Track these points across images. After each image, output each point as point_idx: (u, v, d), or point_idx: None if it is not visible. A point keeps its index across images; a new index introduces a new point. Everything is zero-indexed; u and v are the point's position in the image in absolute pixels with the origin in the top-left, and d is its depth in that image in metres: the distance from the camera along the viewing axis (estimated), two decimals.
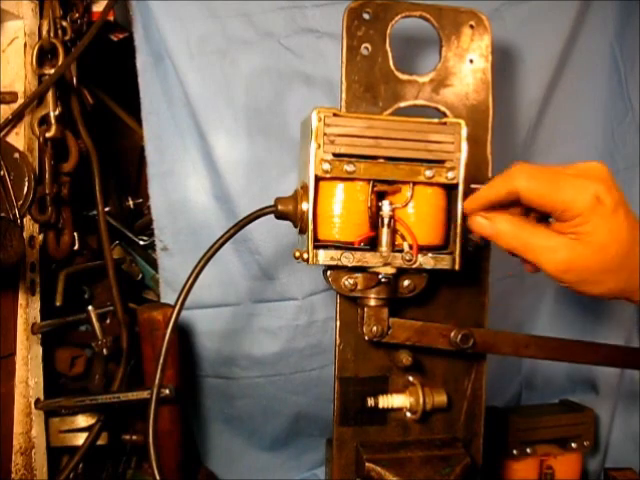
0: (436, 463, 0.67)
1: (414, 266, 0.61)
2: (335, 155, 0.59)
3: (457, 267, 0.62)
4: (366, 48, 0.70)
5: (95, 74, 0.95)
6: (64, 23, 0.84)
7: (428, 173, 0.61)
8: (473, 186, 0.64)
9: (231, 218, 0.89)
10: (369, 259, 0.61)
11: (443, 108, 0.72)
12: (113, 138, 1.05)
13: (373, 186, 0.61)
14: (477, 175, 0.69)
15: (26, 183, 0.78)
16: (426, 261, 0.61)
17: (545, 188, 0.52)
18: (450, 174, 0.61)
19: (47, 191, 0.81)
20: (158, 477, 0.60)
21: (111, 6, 0.86)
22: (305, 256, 0.60)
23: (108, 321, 0.92)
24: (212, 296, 0.93)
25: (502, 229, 0.55)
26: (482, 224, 0.56)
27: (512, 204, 0.56)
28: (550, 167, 0.54)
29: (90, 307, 0.86)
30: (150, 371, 0.84)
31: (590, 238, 0.51)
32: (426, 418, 0.71)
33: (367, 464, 0.66)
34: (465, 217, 0.61)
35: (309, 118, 0.60)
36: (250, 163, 0.90)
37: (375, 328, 0.64)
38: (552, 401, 1.07)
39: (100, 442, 0.85)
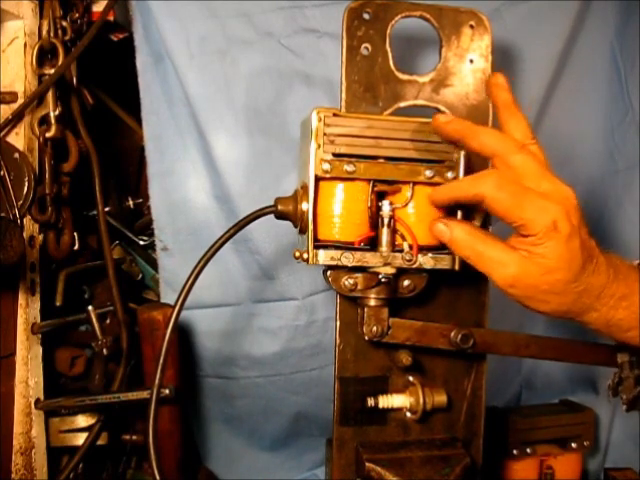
0: (436, 463, 0.67)
1: (414, 266, 0.61)
2: (335, 155, 0.59)
3: (457, 267, 0.62)
4: (366, 48, 0.70)
5: (95, 74, 0.95)
6: (64, 23, 0.84)
7: (428, 173, 0.61)
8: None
9: (231, 218, 0.89)
10: (369, 259, 0.61)
11: (443, 108, 0.72)
12: (113, 138, 1.05)
13: (373, 186, 0.61)
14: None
15: (26, 183, 0.78)
16: (426, 261, 0.61)
17: (509, 201, 0.53)
18: (450, 174, 0.61)
19: (47, 191, 0.81)
20: (158, 477, 0.60)
21: (111, 6, 0.86)
22: (305, 256, 0.60)
23: (108, 321, 0.92)
24: (212, 296, 0.93)
25: (458, 237, 0.56)
26: (440, 230, 0.57)
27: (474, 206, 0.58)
28: (518, 181, 0.54)
29: (90, 307, 0.86)
30: (150, 371, 0.84)
31: (540, 260, 0.53)
32: (426, 418, 0.71)
33: (367, 464, 0.66)
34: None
35: (309, 118, 0.60)
36: (250, 163, 0.90)
37: (375, 328, 0.64)
38: (552, 401, 1.07)
39: (100, 442, 0.85)
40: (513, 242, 0.55)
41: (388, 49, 0.70)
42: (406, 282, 0.64)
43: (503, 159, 0.55)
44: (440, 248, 0.63)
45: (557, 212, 0.52)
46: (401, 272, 0.63)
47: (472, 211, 0.63)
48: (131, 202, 1.09)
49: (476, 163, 0.62)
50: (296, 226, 0.63)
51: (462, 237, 0.56)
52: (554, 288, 0.54)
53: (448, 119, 0.59)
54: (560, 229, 0.52)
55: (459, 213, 0.61)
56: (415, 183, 0.61)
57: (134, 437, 0.92)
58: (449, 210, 0.62)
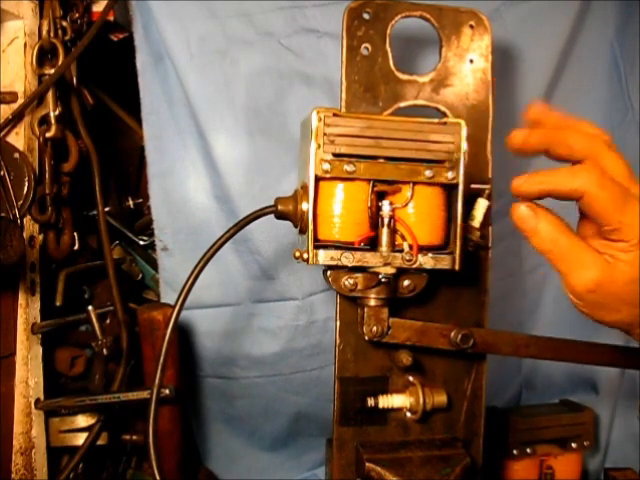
0: (436, 463, 0.67)
1: (414, 266, 0.61)
2: (335, 155, 0.59)
3: (457, 267, 0.62)
4: (366, 48, 0.70)
5: (95, 74, 0.95)
6: (64, 23, 0.84)
7: (428, 173, 0.61)
8: (473, 186, 0.64)
9: (231, 218, 0.89)
10: (369, 259, 0.61)
11: (443, 108, 0.72)
12: (113, 138, 1.05)
13: (373, 186, 0.61)
14: (477, 175, 0.70)
15: (26, 183, 0.78)
16: (426, 261, 0.61)
17: (610, 203, 0.49)
18: (450, 174, 0.61)
19: (47, 191, 0.81)
20: (158, 477, 0.60)
21: (111, 6, 0.86)
22: (305, 256, 0.60)
23: (108, 321, 0.92)
24: (212, 296, 0.93)
25: (543, 228, 0.52)
26: (525, 215, 0.52)
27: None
28: (619, 182, 0.51)
29: (90, 307, 0.86)
30: (150, 371, 0.84)
31: (626, 268, 0.50)
32: (426, 418, 0.71)
33: (367, 464, 0.66)
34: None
35: (309, 118, 0.60)
36: (250, 163, 0.90)
37: (375, 328, 0.64)
38: (552, 401, 1.07)
39: (100, 442, 0.85)
40: (597, 245, 0.52)
41: (388, 49, 0.70)
42: (406, 282, 0.64)
43: (596, 159, 0.52)
44: (440, 248, 0.63)
45: None
46: (401, 272, 0.63)
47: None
48: (131, 202, 1.09)
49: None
50: (296, 226, 0.63)
51: (547, 229, 0.52)
52: (631, 298, 0.51)
53: (525, 133, 0.54)
54: None
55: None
56: (415, 183, 0.61)
57: (134, 437, 0.92)
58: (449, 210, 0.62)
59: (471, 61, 0.73)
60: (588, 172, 0.51)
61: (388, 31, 0.70)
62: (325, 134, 0.59)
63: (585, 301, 0.52)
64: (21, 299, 0.79)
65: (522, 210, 0.53)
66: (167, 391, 0.76)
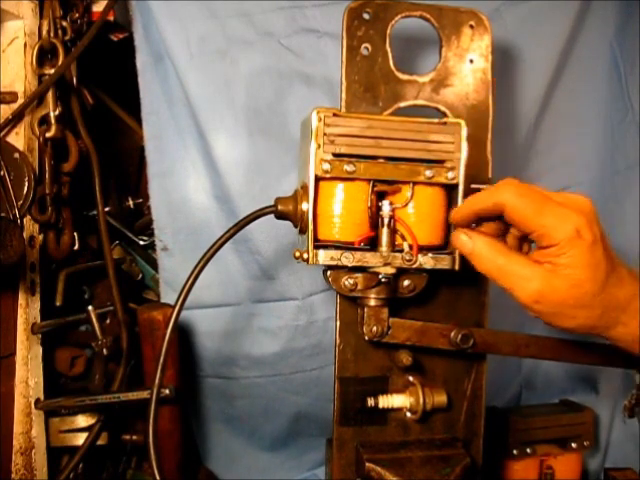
0: (436, 463, 0.67)
1: (414, 266, 0.61)
2: (335, 155, 0.59)
3: (457, 267, 0.62)
4: (366, 48, 0.70)
5: (95, 74, 0.95)
6: (64, 23, 0.84)
7: (428, 173, 0.61)
8: (473, 186, 0.64)
9: (231, 218, 0.89)
10: (369, 259, 0.61)
11: (443, 108, 0.72)
12: (113, 138, 1.05)
13: (373, 186, 0.61)
14: (477, 175, 0.70)
15: (26, 183, 0.78)
16: (426, 261, 0.61)
17: (529, 209, 0.51)
18: (450, 174, 0.61)
19: (47, 191, 0.81)
20: (158, 477, 0.60)
21: (111, 6, 0.86)
22: (305, 256, 0.60)
23: (108, 321, 0.92)
24: (212, 296, 0.93)
25: (479, 250, 0.54)
26: (462, 241, 0.55)
27: (494, 218, 0.56)
28: (539, 189, 0.53)
29: (90, 307, 0.86)
30: (150, 371, 0.84)
31: (566, 271, 0.51)
32: (426, 418, 0.71)
33: (367, 464, 0.66)
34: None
35: (309, 118, 0.60)
36: (250, 163, 0.90)
37: (375, 328, 0.64)
38: (552, 401, 1.07)
39: (100, 442, 0.85)
40: (535, 256, 0.53)
41: (388, 49, 0.70)
42: (406, 282, 0.64)
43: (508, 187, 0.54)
44: (440, 248, 0.63)
45: (579, 220, 0.51)
46: (401, 272, 0.63)
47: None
48: (131, 202, 1.09)
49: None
50: (296, 226, 0.63)
51: (484, 250, 0.54)
52: (581, 301, 0.51)
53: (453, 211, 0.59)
54: (583, 236, 0.50)
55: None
56: (415, 183, 0.61)
57: (134, 437, 0.92)
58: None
59: (471, 61, 0.73)
60: (505, 185, 0.53)
61: (388, 31, 0.70)
62: (325, 134, 0.59)
63: (537, 312, 0.52)
64: (21, 299, 0.79)
65: (459, 237, 0.56)
66: (167, 391, 0.76)
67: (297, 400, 0.99)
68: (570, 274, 0.51)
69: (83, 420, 0.85)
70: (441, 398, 0.69)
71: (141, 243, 1.05)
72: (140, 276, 1.04)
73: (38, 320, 0.81)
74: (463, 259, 0.62)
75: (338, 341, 0.70)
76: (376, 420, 0.71)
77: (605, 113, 1.02)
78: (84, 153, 0.89)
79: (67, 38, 0.84)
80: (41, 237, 0.83)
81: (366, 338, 0.65)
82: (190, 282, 0.62)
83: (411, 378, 0.71)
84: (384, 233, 0.61)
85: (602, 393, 1.05)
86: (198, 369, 0.98)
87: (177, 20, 0.87)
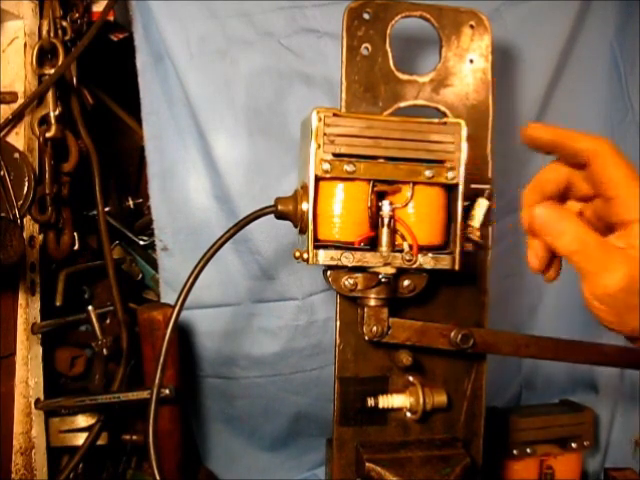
0: (436, 463, 0.67)
1: (414, 266, 0.61)
2: (335, 155, 0.59)
3: (457, 267, 0.62)
4: (366, 48, 0.70)
5: (95, 74, 0.95)
6: (64, 23, 0.84)
7: (428, 173, 0.61)
8: (473, 186, 0.64)
9: (231, 218, 0.89)
10: (369, 259, 0.61)
11: (443, 108, 0.72)
12: (113, 138, 1.05)
13: (373, 186, 0.61)
14: (477, 175, 0.69)
15: (26, 183, 0.78)
16: (426, 261, 0.61)
17: (622, 170, 0.46)
18: (450, 174, 0.61)
19: (47, 191, 0.81)
20: (158, 477, 0.59)
21: (111, 6, 0.86)
22: (305, 256, 0.60)
23: (108, 321, 0.92)
24: (212, 296, 0.93)
25: (570, 228, 0.47)
26: (549, 216, 0.48)
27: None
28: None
29: (90, 307, 0.86)
30: (150, 371, 0.84)
31: None
32: (426, 418, 0.71)
33: (367, 464, 0.66)
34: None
35: (309, 118, 0.60)
36: (250, 163, 0.90)
37: (375, 328, 0.64)
38: (552, 401, 1.07)
39: (100, 442, 0.85)
40: (613, 241, 0.47)
41: (388, 49, 0.70)
42: (406, 282, 0.64)
43: (602, 157, 0.48)
44: (440, 248, 0.63)
45: None
46: (401, 272, 0.63)
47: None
48: (131, 202, 1.09)
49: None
50: (296, 226, 0.63)
51: (576, 226, 0.47)
52: None
53: (540, 127, 0.50)
54: None
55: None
56: (415, 183, 0.61)
57: (134, 437, 0.92)
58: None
59: (471, 61, 0.73)
60: (603, 139, 0.48)
61: (388, 31, 0.70)
62: (325, 134, 0.59)
63: (613, 303, 0.46)
64: (21, 299, 0.79)
65: (544, 212, 0.48)
66: (167, 391, 0.76)
67: (297, 400, 0.99)
68: None
69: (83, 420, 0.85)
70: (441, 398, 0.69)
71: (141, 243, 1.05)
72: (140, 276, 1.04)
73: (38, 320, 0.81)
74: (463, 259, 0.62)
75: (338, 341, 0.70)
76: (376, 420, 0.71)
77: (605, 113, 1.02)
78: (84, 153, 0.89)
79: (67, 38, 0.84)
80: (41, 237, 0.83)
81: (366, 338, 0.65)
82: (190, 282, 0.62)
83: (411, 378, 0.71)
84: (384, 233, 0.61)
85: (602, 393, 1.05)
86: (198, 369, 0.98)
87: (177, 20, 0.87)
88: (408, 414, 0.71)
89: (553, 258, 0.53)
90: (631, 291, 0.45)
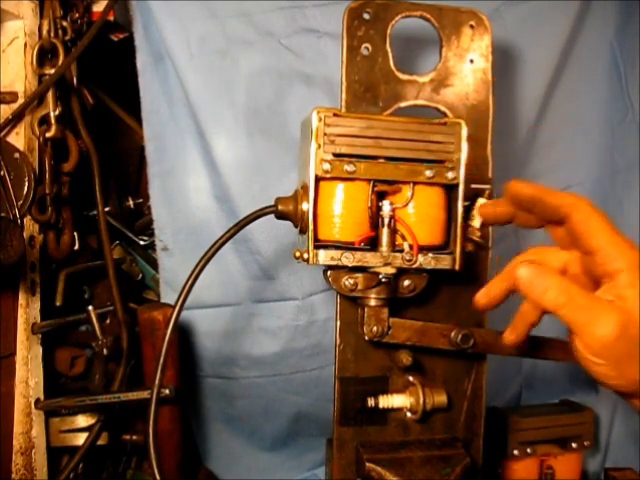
0: (436, 463, 0.67)
1: (414, 266, 0.61)
2: (335, 155, 0.59)
3: (457, 267, 0.62)
4: (366, 48, 0.70)
5: (95, 74, 0.95)
6: (64, 23, 0.84)
7: (428, 173, 0.61)
8: (473, 186, 0.64)
9: (231, 218, 0.89)
10: (369, 259, 0.61)
11: (443, 108, 0.72)
12: (113, 138, 1.05)
13: (373, 186, 0.61)
14: (477, 175, 0.70)
15: (26, 183, 0.78)
16: (426, 261, 0.61)
17: (604, 224, 0.47)
18: (450, 174, 0.61)
19: (47, 191, 0.81)
20: (158, 477, 0.59)
21: (111, 6, 0.86)
22: (305, 256, 0.60)
23: (108, 321, 0.92)
24: (212, 296, 0.93)
25: (555, 282, 0.46)
26: (532, 274, 0.47)
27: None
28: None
29: (90, 307, 0.86)
30: (150, 371, 0.84)
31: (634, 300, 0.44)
32: (426, 418, 0.71)
33: (367, 464, 0.66)
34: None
35: (309, 118, 0.60)
36: (250, 163, 0.90)
37: (375, 328, 0.64)
38: (552, 401, 1.07)
39: (100, 442, 0.85)
40: (601, 295, 0.47)
41: (388, 49, 0.70)
42: (406, 282, 0.64)
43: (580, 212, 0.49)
44: (440, 248, 0.63)
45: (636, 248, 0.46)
46: (401, 272, 0.63)
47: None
48: (131, 202, 1.09)
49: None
50: (296, 226, 0.63)
51: (560, 280, 0.47)
52: None
53: (520, 183, 0.52)
54: None
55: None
56: (415, 183, 0.61)
57: (134, 437, 0.92)
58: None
59: (471, 61, 0.73)
60: (580, 196, 0.50)
61: (388, 31, 0.70)
62: (325, 134, 0.59)
63: (610, 355, 0.45)
64: (21, 299, 0.79)
65: (526, 271, 0.48)
66: (167, 391, 0.76)
67: (297, 400, 0.99)
68: None
69: (83, 420, 0.85)
70: (441, 398, 0.69)
71: (141, 243, 1.05)
72: (140, 276, 1.04)
73: (38, 320, 0.81)
74: (463, 259, 0.62)
75: (338, 341, 0.70)
76: (376, 420, 0.71)
77: (605, 113, 1.02)
78: (84, 153, 0.88)
79: (67, 38, 0.84)
80: (41, 237, 0.83)
81: (366, 338, 0.65)
82: (190, 282, 0.62)
83: (411, 378, 0.71)
84: (384, 233, 0.61)
85: (602, 393, 1.05)
86: (198, 369, 0.98)
87: (177, 20, 0.87)
88: (408, 414, 0.71)
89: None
90: (627, 339, 0.44)
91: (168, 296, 0.93)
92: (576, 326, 0.45)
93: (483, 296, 0.55)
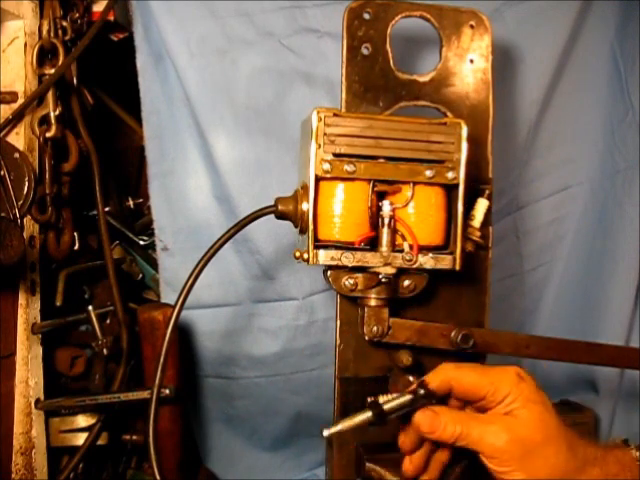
0: None
1: (414, 266, 0.61)
2: (335, 155, 0.59)
3: (457, 267, 0.62)
4: (366, 48, 0.70)
5: (95, 74, 0.95)
6: (64, 23, 0.84)
7: (428, 173, 0.61)
8: (474, 186, 0.64)
9: (231, 218, 0.89)
10: (369, 259, 0.61)
11: (443, 108, 0.72)
12: (113, 138, 1.05)
13: (373, 186, 0.61)
14: (477, 175, 0.70)
15: (26, 183, 0.78)
16: (426, 261, 0.61)
17: (473, 373, 0.55)
18: (450, 174, 0.61)
19: (47, 191, 0.81)
20: (158, 477, 0.60)
21: (111, 6, 0.86)
22: (305, 256, 0.60)
23: (108, 321, 0.92)
24: (212, 296, 0.93)
25: (447, 418, 0.54)
26: (427, 418, 0.54)
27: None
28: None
29: (90, 307, 0.86)
30: (150, 371, 0.84)
31: (524, 410, 0.54)
32: None
33: (367, 464, 0.66)
34: None
35: (309, 118, 0.60)
36: (250, 163, 0.90)
37: (375, 328, 0.64)
38: (552, 401, 1.06)
39: (100, 442, 0.85)
40: (492, 414, 0.55)
41: (388, 49, 0.70)
42: (406, 282, 0.64)
43: None
44: (440, 248, 0.63)
45: (513, 367, 0.56)
46: (401, 272, 0.63)
47: None
48: (131, 202, 1.09)
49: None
50: (296, 226, 0.63)
51: (450, 414, 0.54)
52: (547, 434, 0.54)
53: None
54: (525, 378, 0.56)
55: None
56: (415, 183, 0.61)
57: (134, 437, 0.92)
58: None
59: (471, 61, 0.73)
60: (441, 366, 0.57)
61: (388, 31, 0.70)
62: (325, 134, 0.59)
63: (509, 458, 0.52)
64: (21, 299, 0.79)
65: (421, 416, 0.54)
66: (167, 391, 0.76)
67: (297, 400, 0.99)
68: (527, 412, 0.54)
69: (83, 420, 0.85)
70: None
71: (141, 243, 1.05)
72: (140, 276, 1.04)
73: (38, 320, 0.81)
74: (463, 259, 0.62)
75: (338, 341, 0.69)
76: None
77: (605, 113, 1.02)
78: (84, 153, 0.89)
79: (67, 38, 0.84)
80: (41, 237, 0.83)
81: (366, 338, 0.65)
82: (190, 282, 0.62)
83: (411, 378, 0.71)
84: (384, 233, 0.61)
85: (602, 393, 1.05)
86: (198, 369, 0.98)
87: (177, 20, 0.87)
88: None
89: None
90: (520, 440, 0.53)
91: (168, 296, 0.93)
92: (475, 444, 0.53)
93: (406, 464, 0.59)
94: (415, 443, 0.58)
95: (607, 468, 0.54)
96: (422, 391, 0.55)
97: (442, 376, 0.56)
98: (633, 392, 1.03)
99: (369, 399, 0.69)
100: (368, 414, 0.54)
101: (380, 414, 0.55)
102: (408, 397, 0.55)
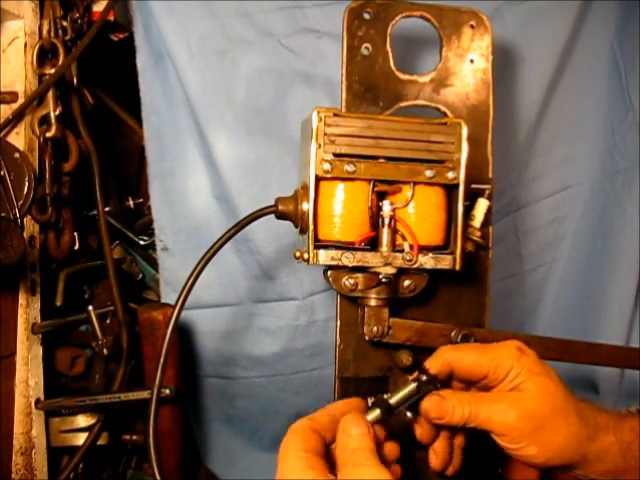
0: None
1: (415, 266, 0.61)
2: (335, 155, 0.59)
3: (458, 267, 0.62)
4: (366, 48, 0.70)
5: (95, 74, 0.95)
6: (64, 23, 0.84)
7: (429, 173, 0.61)
8: (474, 186, 0.64)
9: (231, 218, 0.89)
10: (370, 259, 0.61)
11: (444, 108, 0.72)
12: (113, 138, 1.05)
13: (374, 186, 0.61)
14: (478, 175, 0.70)
15: (26, 183, 0.78)
16: (427, 261, 0.61)
17: (473, 352, 0.55)
18: (451, 174, 0.61)
19: (47, 191, 0.81)
20: (158, 477, 0.60)
21: (111, 6, 0.86)
22: (305, 256, 0.60)
23: (108, 321, 0.92)
24: (212, 296, 0.93)
25: (454, 402, 0.54)
26: (435, 403, 0.54)
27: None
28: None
29: (90, 307, 0.86)
30: (150, 371, 0.84)
31: (529, 384, 0.53)
32: None
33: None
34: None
35: (309, 118, 0.60)
36: (250, 163, 0.90)
37: (375, 328, 0.64)
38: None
39: (100, 442, 0.85)
40: (497, 391, 0.55)
41: (388, 49, 0.70)
42: (407, 282, 0.64)
43: None
44: (441, 248, 0.63)
45: (513, 342, 0.56)
46: (402, 272, 0.63)
47: None
48: (131, 202, 1.09)
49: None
50: (296, 226, 0.63)
51: (459, 396, 0.54)
52: (555, 406, 0.53)
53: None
54: (526, 351, 0.55)
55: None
56: (416, 183, 0.61)
57: (134, 437, 0.92)
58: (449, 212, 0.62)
59: (471, 61, 0.73)
60: (439, 350, 0.58)
61: (388, 31, 0.70)
62: (326, 134, 0.59)
63: (519, 434, 0.53)
64: (21, 299, 0.79)
65: (429, 403, 0.54)
66: (167, 391, 0.76)
67: (297, 400, 0.99)
68: (533, 385, 0.53)
69: (83, 420, 0.85)
70: None
71: (141, 243, 1.05)
72: (140, 276, 1.04)
73: (38, 320, 0.81)
74: (464, 259, 0.62)
75: (338, 341, 0.69)
76: None
77: (605, 113, 1.02)
78: (84, 153, 0.89)
79: (67, 38, 0.84)
80: (41, 237, 0.83)
81: (366, 338, 0.65)
82: (190, 282, 0.62)
83: (411, 378, 0.71)
84: (385, 233, 0.61)
85: (602, 393, 1.05)
86: (198, 369, 0.98)
87: (177, 20, 0.87)
88: (408, 414, 0.71)
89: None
90: (529, 415, 0.52)
91: (168, 296, 0.93)
92: (485, 424, 0.53)
93: (432, 459, 0.59)
94: (432, 432, 0.58)
95: (621, 435, 0.53)
96: (424, 377, 0.55)
97: (441, 359, 0.56)
98: (633, 392, 1.03)
99: (370, 400, 0.69)
100: (376, 412, 0.53)
101: (388, 408, 0.54)
102: (412, 386, 0.55)
